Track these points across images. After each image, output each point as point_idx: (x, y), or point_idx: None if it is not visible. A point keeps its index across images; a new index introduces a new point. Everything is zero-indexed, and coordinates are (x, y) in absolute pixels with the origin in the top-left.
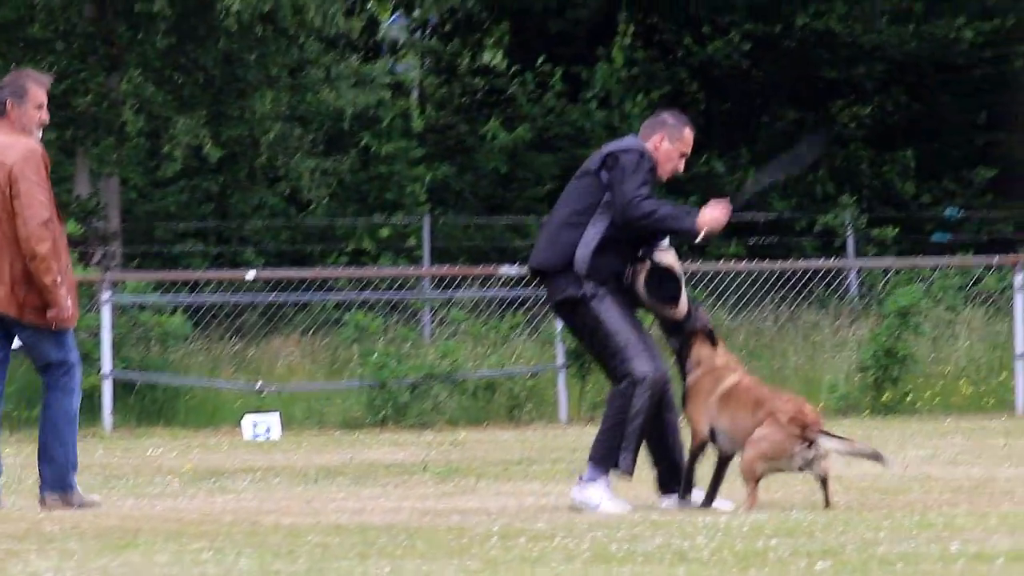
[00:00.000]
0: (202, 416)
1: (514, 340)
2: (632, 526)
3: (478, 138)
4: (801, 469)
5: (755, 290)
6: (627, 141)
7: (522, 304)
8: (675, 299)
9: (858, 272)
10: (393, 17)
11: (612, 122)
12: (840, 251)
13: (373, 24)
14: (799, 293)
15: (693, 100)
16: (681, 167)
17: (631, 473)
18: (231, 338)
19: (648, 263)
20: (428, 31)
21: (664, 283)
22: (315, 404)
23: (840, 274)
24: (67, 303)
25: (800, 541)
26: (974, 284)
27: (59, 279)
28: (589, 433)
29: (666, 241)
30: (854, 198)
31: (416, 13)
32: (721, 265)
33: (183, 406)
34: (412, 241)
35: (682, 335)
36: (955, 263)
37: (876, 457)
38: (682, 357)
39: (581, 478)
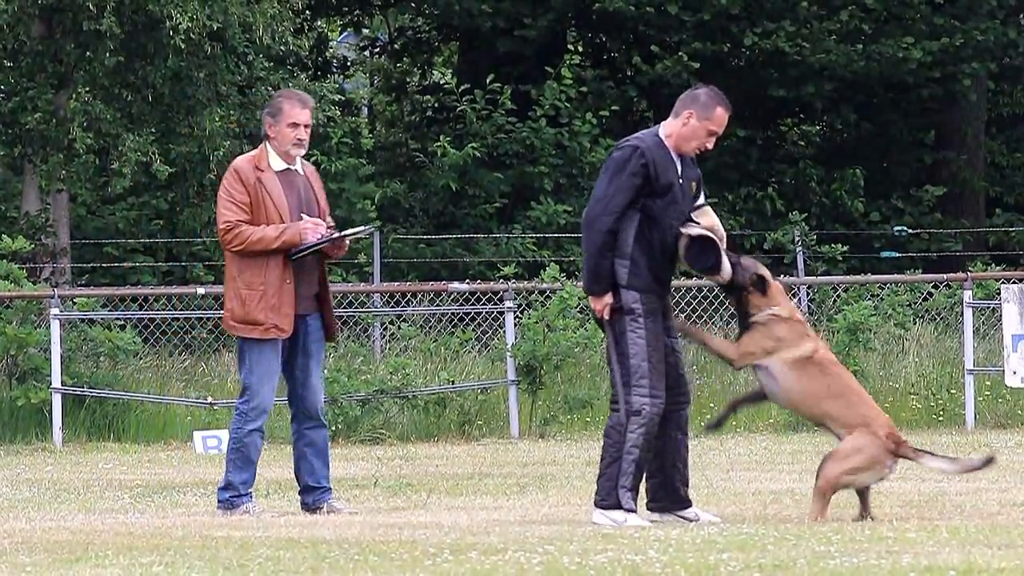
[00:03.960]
0: (153, 431)
1: (464, 356)
2: (584, 540)
3: (428, 155)
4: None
5: (705, 306)
6: (638, 133)
7: (472, 320)
8: (716, 267)
9: (808, 289)
10: (343, 35)
11: (562, 140)
12: (790, 268)
13: (322, 42)
14: None
15: (642, 118)
16: (710, 145)
17: (634, 511)
18: (181, 353)
19: (686, 236)
20: (377, 49)
21: (703, 253)
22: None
23: (790, 290)
24: (293, 236)
25: (752, 555)
26: (923, 301)
27: (266, 238)
28: (540, 448)
29: (701, 198)
30: (803, 215)
31: (365, 31)
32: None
33: (134, 420)
34: (363, 257)
35: (734, 292)
36: (904, 280)
37: (987, 462)
38: (741, 314)
39: (596, 506)
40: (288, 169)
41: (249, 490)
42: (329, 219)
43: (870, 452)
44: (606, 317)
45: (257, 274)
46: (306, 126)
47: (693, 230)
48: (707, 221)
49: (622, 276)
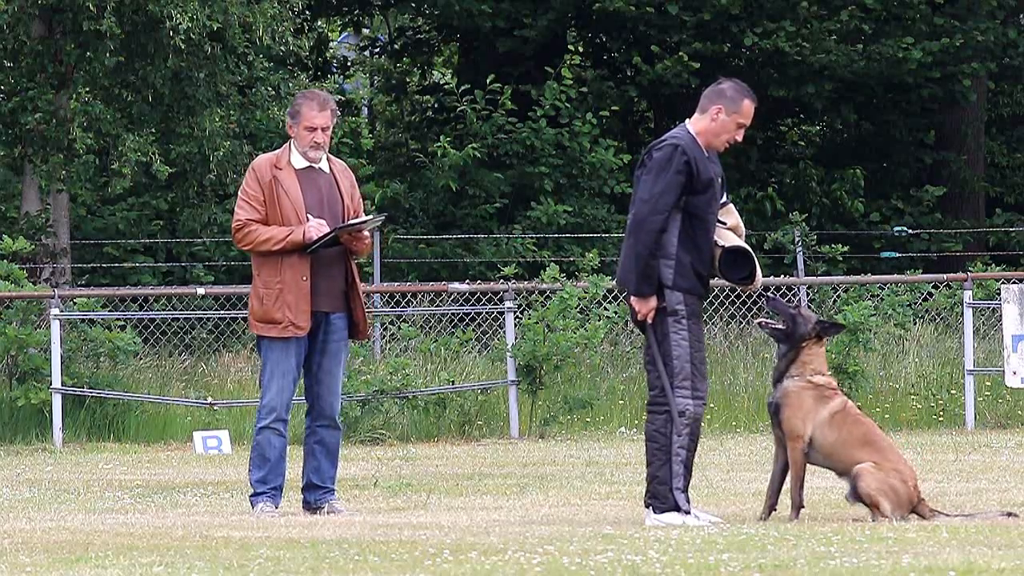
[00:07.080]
0: (153, 431)
1: (465, 356)
2: (584, 540)
3: (428, 156)
4: None
5: (704, 306)
6: (672, 132)
7: (472, 320)
8: (750, 277)
9: (808, 289)
10: (343, 36)
11: (562, 140)
12: (790, 268)
13: (322, 42)
14: (749, 310)
15: (643, 118)
16: (739, 138)
17: (690, 512)
18: (181, 354)
19: (720, 247)
20: (377, 49)
21: (737, 263)
22: None
23: (790, 291)
24: (298, 236)
25: (752, 555)
26: (923, 301)
27: (273, 239)
28: (540, 448)
29: (724, 196)
30: (803, 216)
31: (365, 31)
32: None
33: (134, 421)
34: (362, 258)
35: (793, 339)
36: (904, 280)
37: (1008, 515)
38: (782, 368)
39: (652, 510)
40: (310, 167)
41: (267, 489)
42: (363, 216)
43: (901, 495)
44: (650, 320)
45: (274, 273)
46: (324, 129)
47: (728, 241)
48: (731, 220)
49: (667, 277)
